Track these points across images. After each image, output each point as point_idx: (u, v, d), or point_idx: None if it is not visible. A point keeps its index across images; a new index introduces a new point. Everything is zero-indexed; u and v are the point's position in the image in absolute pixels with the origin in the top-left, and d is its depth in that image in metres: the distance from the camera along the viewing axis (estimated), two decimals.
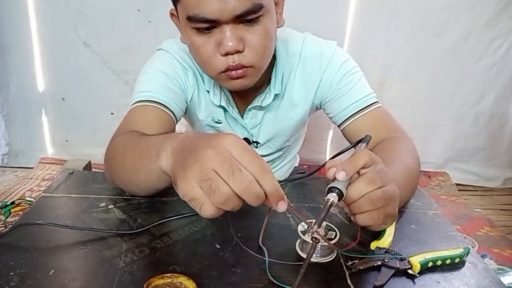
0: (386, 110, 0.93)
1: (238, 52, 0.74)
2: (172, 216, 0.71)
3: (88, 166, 2.00)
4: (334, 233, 0.61)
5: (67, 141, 2.20)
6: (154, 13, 1.92)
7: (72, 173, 0.87)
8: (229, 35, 0.72)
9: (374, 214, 0.57)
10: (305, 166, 1.35)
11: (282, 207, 0.47)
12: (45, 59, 2.04)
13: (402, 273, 0.59)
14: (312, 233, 0.52)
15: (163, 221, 0.69)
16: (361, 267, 0.59)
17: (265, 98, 0.91)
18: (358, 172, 0.57)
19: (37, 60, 2.04)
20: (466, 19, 1.97)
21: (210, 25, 0.72)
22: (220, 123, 0.97)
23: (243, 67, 0.77)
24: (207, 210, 0.45)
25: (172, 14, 0.83)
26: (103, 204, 0.74)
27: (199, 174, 0.45)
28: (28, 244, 0.62)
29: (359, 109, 0.90)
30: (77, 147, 2.18)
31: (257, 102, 0.92)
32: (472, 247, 0.66)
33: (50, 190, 0.79)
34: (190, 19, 0.72)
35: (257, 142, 1.00)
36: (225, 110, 0.94)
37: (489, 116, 2.16)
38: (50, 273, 0.55)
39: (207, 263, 0.59)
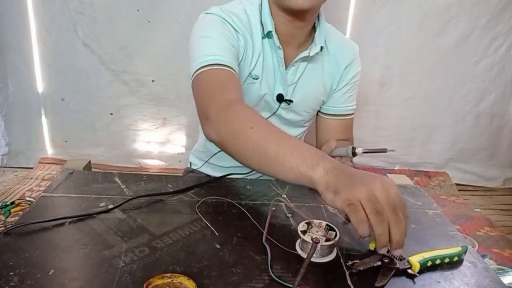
0: (352, 120, 1.12)
1: None
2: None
3: (88, 166, 2.00)
4: (334, 233, 0.61)
5: (66, 141, 2.20)
6: (154, 13, 1.92)
7: (72, 173, 0.87)
8: None
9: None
10: None
11: (397, 253, 0.56)
12: (45, 59, 2.04)
13: (402, 273, 0.59)
14: (314, 233, 0.52)
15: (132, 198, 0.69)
16: (361, 268, 0.59)
17: (312, 48, 0.97)
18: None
19: (36, 61, 2.04)
20: (466, 20, 1.97)
21: None
22: (257, 78, 0.97)
23: None
24: (360, 215, 0.54)
25: None
26: (103, 204, 0.74)
27: (366, 194, 0.54)
28: (28, 244, 0.61)
29: (343, 113, 1.08)
30: (76, 147, 2.18)
31: (304, 53, 0.96)
32: (472, 247, 0.66)
33: (50, 190, 0.79)
34: None
35: (290, 101, 1.02)
36: (267, 60, 0.97)
37: (490, 117, 2.16)
38: (50, 273, 0.55)
39: (207, 263, 0.59)
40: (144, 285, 0.51)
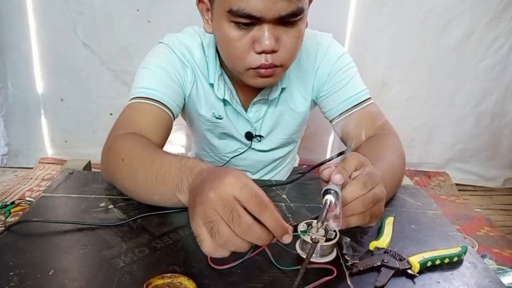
0: (377, 106, 0.96)
1: (273, 52, 0.75)
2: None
3: (88, 166, 1.99)
4: (334, 233, 0.61)
5: (66, 141, 2.20)
6: (153, 13, 1.92)
7: (72, 173, 0.87)
8: (267, 34, 0.72)
9: (364, 215, 0.59)
10: (304, 166, 1.35)
11: (286, 240, 0.49)
12: (44, 59, 2.04)
13: (401, 273, 0.59)
14: (314, 233, 0.52)
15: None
16: (361, 268, 0.59)
17: (271, 92, 0.91)
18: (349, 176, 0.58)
19: (35, 61, 2.03)
20: (468, 20, 1.97)
21: (251, 21, 0.72)
22: (221, 118, 0.96)
23: (274, 66, 0.77)
24: (205, 247, 0.49)
25: (200, 1, 0.81)
26: (103, 204, 0.74)
27: (203, 216, 0.47)
28: (28, 244, 0.61)
29: (352, 105, 0.93)
30: (76, 147, 2.18)
31: (263, 95, 0.92)
32: (472, 247, 0.66)
33: (50, 190, 0.79)
34: (232, 12, 0.71)
35: (260, 136, 1.00)
36: (227, 104, 0.94)
37: (491, 117, 2.16)
38: (50, 273, 0.55)
39: (207, 263, 0.59)
40: (144, 285, 0.51)
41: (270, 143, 1.04)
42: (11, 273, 0.55)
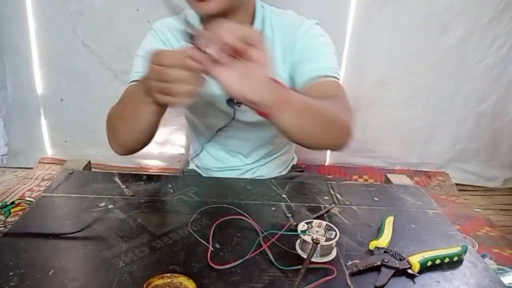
0: (341, 87, 0.91)
1: None
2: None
3: (88, 166, 1.99)
4: (334, 233, 0.61)
5: (66, 141, 2.20)
6: (153, 13, 1.92)
7: (72, 173, 0.87)
8: None
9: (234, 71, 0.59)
10: (303, 166, 1.35)
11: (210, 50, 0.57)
12: (44, 59, 2.03)
13: (402, 273, 0.59)
14: (314, 233, 0.52)
15: None
16: (361, 268, 0.59)
17: None
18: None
19: (35, 61, 2.03)
20: (468, 20, 1.97)
21: None
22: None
23: None
24: None
25: None
26: (103, 204, 0.74)
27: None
28: (28, 244, 0.62)
29: (318, 74, 0.89)
30: (76, 147, 2.18)
31: None
32: (472, 247, 0.66)
33: (50, 190, 0.79)
34: None
35: (240, 103, 0.98)
36: None
37: (491, 117, 2.16)
38: (50, 273, 0.55)
39: (207, 263, 0.59)
40: (144, 285, 0.51)
41: (252, 115, 1.00)
42: (11, 273, 0.55)
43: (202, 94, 0.97)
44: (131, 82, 0.96)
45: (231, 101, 0.99)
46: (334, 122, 0.78)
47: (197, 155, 1.13)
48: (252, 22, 0.95)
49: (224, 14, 0.85)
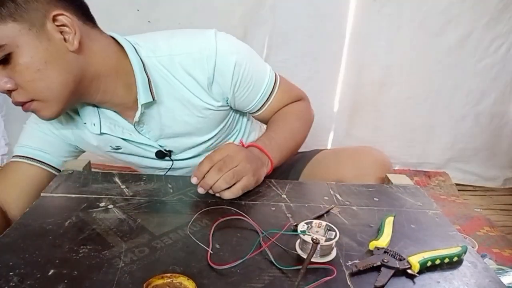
0: (284, 79, 1.00)
1: (11, 91, 0.74)
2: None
3: (88, 166, 1.99)
4: (334, 233, 0.61)
5: None
6: (154, 13, 1.92)
7: (72, 173, 0.87)
8: None
9: (232, 190, 0.75)
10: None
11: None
12: None
13: (401, 273, 0.59)
14: (314, 233, 0.52)
15: None
16: (361, 268, 0.59)
17: (138, 112, 0.86)
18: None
19: None
20: (467, 20, 1.97)
21: None
22: (120, 148, 0.95)
23: (25, 103, 0.76)
24: None
25: None
26: (103, 204, 0.74)
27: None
28: (28, 244, 0.62)
29: (266, 98, 0.97)
30: None
31: (136, 118, 0.87)
32: (472, 247, 0.66)
33: (49, 190, 0.79)
34: None
35: (170, 151, 0.97)
36: (116, 134, 0.91)
37: (490, 117, 2.16)
38: (50, 273, 0.55)
39: (207, 263, 0.59)
40: (144, 285, 0.51)
41: (188, 153, 1.00)
42: (11, 273, 0.55)
43: (127, 151, 0.96)
44: (14, 156, 0.95)
45: (160, 153, 0.96)
46: (305, 132, 1.01)
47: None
48: (134, 80, 0.83)
49: (66, 105, 0.80)
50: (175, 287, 0.52)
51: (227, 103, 0.95)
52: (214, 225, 0.68)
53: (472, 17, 1.96)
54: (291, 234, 0.66)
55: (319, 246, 0.58)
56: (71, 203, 0.74)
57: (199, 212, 0.72)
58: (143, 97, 0.83)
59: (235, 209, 0.73)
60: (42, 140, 0.92)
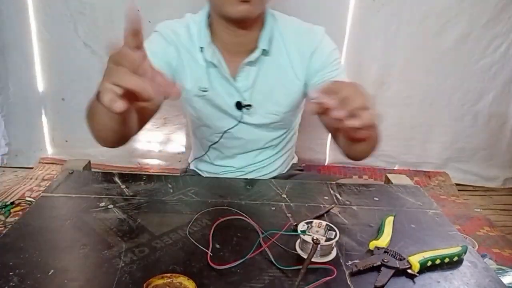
0: None
1: None
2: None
3: (88, 166, 1.99)
4: (334, 233, 0.61)
5: (66, 141, 2.20)
6: (154, 13, 1.91)
7: (72, 173, 0.87)
8: None
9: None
10: (303, 165, 1.35)
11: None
12: (45, 59, 2.03)
13: (401, 272, 0.59)
14: (314, 233, 0.52)
15: None
16: (361, 268, 0.59)
17: (254, 53, 0.96)
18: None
19: (37, 60, 2.03)
20: (466, 19, 1.97)
21: None
22: (206, 90, 0.99)
23: None
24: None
25: None
26: (102, 204, 0.74)
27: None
28: (28, 244, 0.62)
29: None
30: (77, 147, 2.18)
31: (249, 59, 0.96)
32: (472, 247, 0.66)
33: (50, 190, 0.79)
34: None
35: (249, 105, 1.01)
36: (212, 73, 0.98)
37: (488, 116, 2.17)
38: (50, 273, 0.55)
39: (207, 263, 0.59)
40: (144, 285, 0.51)
41: (260, 117, 1.03)
42: (11, 273, 0.55)
43: (210, 97, 0.99)
44: None
45: (239, 104, 1.00)
46: (378, 140, 0.89)
47: (199, 157, 1.13)
48: (261, 28, 0.96)
49: (254, 18, 0.91)
50: (175, 287, 0.52)
51: (306, 85, 1.01)
52: (214, 225, 0.68)
53: (471, 17, 1.97)
54: (291, 234, 0.66)
55: (319, 246, 0.58)
56: (71, 203, 0.74)
57: (199, 212, 0.72)
58: (263, 43, 0.95)
59: (235, 209, 0.73)
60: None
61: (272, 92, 1.01)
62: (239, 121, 1.02)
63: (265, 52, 0.96)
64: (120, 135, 0.80)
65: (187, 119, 1.15)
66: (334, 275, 0.57)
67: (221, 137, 1.05)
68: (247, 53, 0.96)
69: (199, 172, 1.16)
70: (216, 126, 1.04)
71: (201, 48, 0.96)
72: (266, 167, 1.11)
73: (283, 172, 1.16)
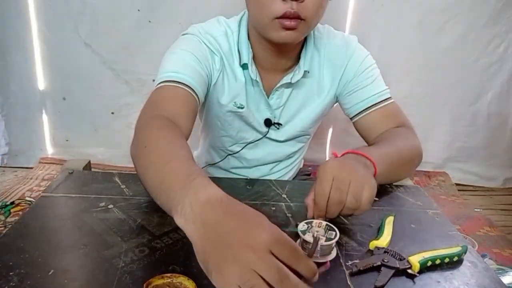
0: (397, 105, 1.01)
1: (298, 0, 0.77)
2: None
3: (88, 166, 1.99)
4: (334, 232, 0.61)
5: (67, 140, 2.20)
6: (155, 13, 1.92)
7: (72, 173, 0.87)
8: None
9: (362, 208, 0.65)
10: (309, 168, 1.35)
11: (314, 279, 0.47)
12: (46, 58, 2.04)
13: (402, 272, 0.59)
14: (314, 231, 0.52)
15: None
16: (361, 268, 0.59)
17: (294, 75, 0.93)
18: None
19: (37, 60, 2.03)
20: (466, 19, 1.98)
21: None
22: (242, 108, 0.96)
23: (298, 17, 0.79)
24: None
25: None
26: (103, 204, 0.74)
27: (240, 277, 0.42)
28: (28, 244, 0.61)
29: (374, 103, 0.96)
30: (77, 146, 2.18)
31: (286, 79, 0.93)
32: (472, 247, 0.66)
33: (50, 190, 0.79)
34: None
35: (279, 124, 1.00)
36: (250, 90, 0.95)
37: (487, 115, 2.17)
38: (50, 273, 0.55)
39: None
40: (144, 285, 0.51)
41: (286, 133, 1.03)
42: (11, 273, 0.55)
43: (244, 114, 0.97)
44: (160, 82, 0.84)
45: (268, 121, 0.99)
46: (412, 157, 0.92)
47: (213, 164, 1.11)
48: (301, 46, 0.94)
49: (295, 43, 0.88)
50: (175, 287, 0.52)
51: (337, 97, 1.01)
52: None
53: (471, 17, 1.97)
54: (291, 231, 0.66)
55: (319, 245, 0.58)
56: (71, 203, 0.74)
57: None
58: (302, 66, 0.93)
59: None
60: (197, 73, 0.87)
61: (302, 110, 1.00)
62: (264, 136, 1.02)
63: (305, 74, 0.95)
64: None
65: (204, 129, 1.11)
66: (334, 275, 0.56)
67: (243, 147, 1.04)
68: (284, 71, 0.95)
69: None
70: (240, 137, 1.03)
71: (244, 64, 0.92)
72: (275, 174, 1.11)
73: (290, 176, 1.16)
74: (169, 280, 0.53)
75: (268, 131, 1.01)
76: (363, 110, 0.96)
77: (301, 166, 1.24)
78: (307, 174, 1.25)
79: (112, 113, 2.11)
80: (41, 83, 2.08)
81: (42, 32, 1.98)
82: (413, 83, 2.12)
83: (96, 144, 2.17)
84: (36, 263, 0.57)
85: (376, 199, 0.81)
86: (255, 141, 1.02)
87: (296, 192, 0.83)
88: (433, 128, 2.21)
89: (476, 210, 2.00)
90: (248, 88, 0.95)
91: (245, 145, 1.03)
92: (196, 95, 0.84)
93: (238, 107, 0.96)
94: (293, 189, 0.84)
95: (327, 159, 2.24)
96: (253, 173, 1.08)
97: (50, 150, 2.24)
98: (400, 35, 2.01)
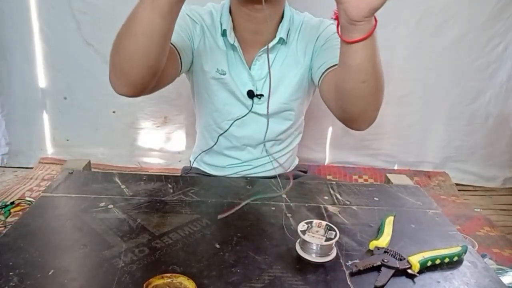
0: None
1: None
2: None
3: (88, 166, 1.99)
4: (334, 232, 0.61)
5: (68, 140, 2.20)
6: None
7: (72, 173, 0.87)
8: None
9: None
10: (306, 165, 1.35)
11: None
12: (47, 58, 2.04)
13: (402, 272, 0.59)
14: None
15: None
16: (361, 268, 0.59)
17: (272, 41, 0.99)
18: None
19: (39, 59, 2.03)
20: (464, 19, 1.98)
21: None
22: (224, 74, 1.02)
23: None
24: None
25: None
26: (103, 204, 0.74)
27: None
28: (28, 244, 0.62)
29: (336, 63, 0.89)
30: (78, 146, 2.18)
31: (264, 47, 0.99)
32: (472, 247, 0.66)
33: (50, 190, 0.79)
34: None
35: (261, 95, 1.03)
36: (232, 56, 1.01)
37: (485, 115, 2.17)
38: (50, 273, 0.55)
39: (207, 263, 0.59)
40: (144, 285, 0.51)
41: (271, 106, 0.99)
42: (11, 273, 0.55)
43: (226, 81, 1.01)
44: None
45: (251, 93, 1.03)
46: (382, 83, 0.79)
47: (207, 150, 1.13)
48: (281, 18, 1.00)
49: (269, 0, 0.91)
50: (175, 287, 0.52)
51: (311, 69, 1.03)
52: (214, 224, 0.68)
53: (469, 17, 1.97)
54: (290, 234, 0.66)
55: (319, 245, 0.58)
56: (71, 203, 0.74)
57: (199, 212, 0.72)
58: (281, 33, 0.98)
59: (235, 210, 0.73)
60: (180, 37, 0.95)
61: (283, 81, 1.03)
62: (250, 110, 1.04)
63: (282, 41, 1.00)
64: (158, 54, 0.78)
65: (197, 110, 1.16)
66: (334, 275, 0.56)
67: (231, 124, 1.06)
68: (264, 44, 0.99)
69: (203, 169, 1.16)
70: (227, 112, 1.06)
71: (224, 31, 0.98)
72: (270, 163, 1.12)
73: (286, 170, 1.15)
74: (169, 280, 0.53)
75: (252, 105, 1.04)
76: (326, 70, 0.94)
77: (296, 162, 1.24)
78: (304, 171, 1.25)
79: (114, 112, 2.11)
80: (42, 82, 2.08)
81: (43, 31, 1.98)
82: (411, 83, 2.12)
83: (97, 143, 2.17)
84: (36, 263, 0.57)
85: (376, 199, 0.81)
86: (242, 117, 1.05)
87: (296, 192, 0.83)
88: (432, 127, 2.21)
89: (476, 210, 2.00)
90: (229, 54, 1.01)
91: (233, 122, 1.06)
92: (179, 54, 0.92)
93: (220, 73, 1.02)
94: (293, 189, 0.84)
95: (326, 159, 2.24)
96: (245, 156, 1.10)
97: (50, 150, 2.23)
98: (398, 35, 2.01)
